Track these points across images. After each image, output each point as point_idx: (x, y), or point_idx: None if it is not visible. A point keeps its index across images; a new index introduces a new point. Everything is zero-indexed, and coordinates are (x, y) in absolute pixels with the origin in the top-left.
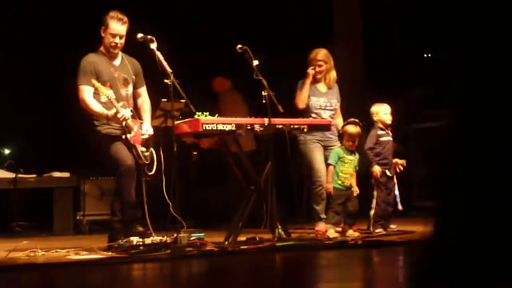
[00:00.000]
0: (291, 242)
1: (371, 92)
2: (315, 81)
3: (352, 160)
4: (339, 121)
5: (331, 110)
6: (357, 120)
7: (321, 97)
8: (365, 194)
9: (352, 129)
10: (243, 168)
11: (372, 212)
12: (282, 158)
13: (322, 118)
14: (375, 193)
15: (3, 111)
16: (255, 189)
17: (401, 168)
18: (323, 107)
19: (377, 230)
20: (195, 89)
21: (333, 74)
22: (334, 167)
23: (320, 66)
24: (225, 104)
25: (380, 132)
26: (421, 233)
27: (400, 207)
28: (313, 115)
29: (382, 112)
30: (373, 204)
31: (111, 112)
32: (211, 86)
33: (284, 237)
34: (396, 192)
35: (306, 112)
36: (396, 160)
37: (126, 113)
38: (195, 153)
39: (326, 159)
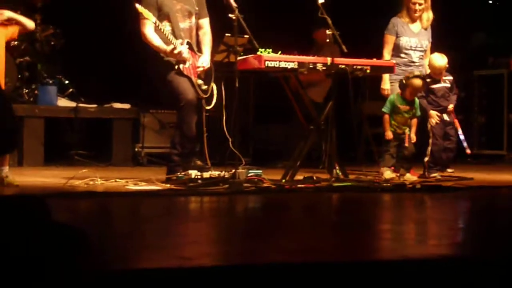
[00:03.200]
0: (348, 183)
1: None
2: (410, 20)
3: (407, 109)
4: (427, 62)
5: (421, 51)
6: (422, 74)
7: (413, 38)
8: (423, 139)
9: (418, 82)
10: (305, 108)
11: (426, 159)
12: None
13: (412, 59)
14: (430, 141)
15: (69, 41)
16: (315, 129)
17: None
18: (413, 48)
19: (432, 175)
20: (259, 25)
21: (430, 14)
22: (389, 115)
23: (420, 4)
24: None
25: (428, 80)
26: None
27: (468, 150)
28: (402, 55)
29: (435, 65)
30: (428, 152)
31: (169, 48)
32: (312, 36)
33: (341, 177)
34: (461, 136)
35: (395, 51)
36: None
37: (183, 49)
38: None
39: None
